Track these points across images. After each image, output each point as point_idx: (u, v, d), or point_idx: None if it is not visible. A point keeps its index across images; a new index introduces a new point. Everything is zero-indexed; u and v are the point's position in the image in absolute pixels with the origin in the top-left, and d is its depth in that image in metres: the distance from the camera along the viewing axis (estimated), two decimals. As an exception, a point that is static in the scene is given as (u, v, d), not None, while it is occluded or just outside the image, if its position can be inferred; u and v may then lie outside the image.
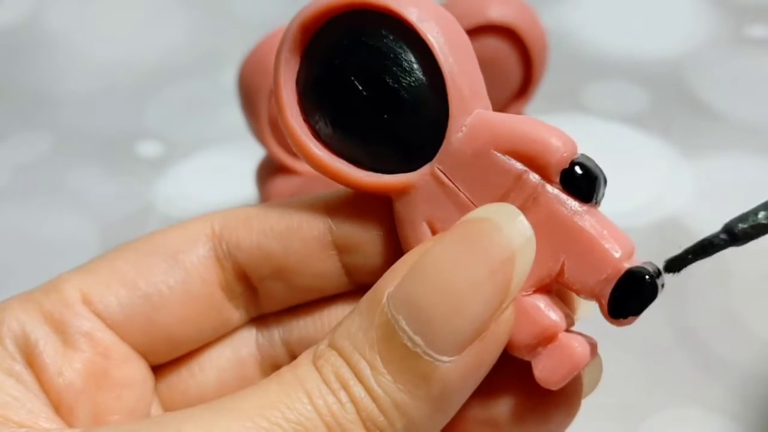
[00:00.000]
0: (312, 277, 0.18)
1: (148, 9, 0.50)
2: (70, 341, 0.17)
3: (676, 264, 0.16)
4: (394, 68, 0.16)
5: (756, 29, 0.46)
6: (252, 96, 0.30)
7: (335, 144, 0.17)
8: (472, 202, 0.16)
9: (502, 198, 0.16)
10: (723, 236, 0.16)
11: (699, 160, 0.38)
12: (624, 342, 0.30)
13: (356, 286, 0.18)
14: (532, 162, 0.15)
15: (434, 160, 0.16)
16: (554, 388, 0.15)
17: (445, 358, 0.14)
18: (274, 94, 0.17)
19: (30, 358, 0.17)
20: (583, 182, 0.15)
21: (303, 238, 0.17)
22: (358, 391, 0.15)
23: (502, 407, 0.17)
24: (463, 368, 0.15)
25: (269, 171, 0.32)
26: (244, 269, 0.18)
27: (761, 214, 0.15)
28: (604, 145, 0.39)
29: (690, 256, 0.16)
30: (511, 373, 0.16)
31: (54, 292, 0.17)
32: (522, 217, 0.15)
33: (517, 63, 0.31)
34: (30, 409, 0.16)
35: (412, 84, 0.16)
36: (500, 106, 0.32)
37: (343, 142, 0.17)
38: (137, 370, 0.18)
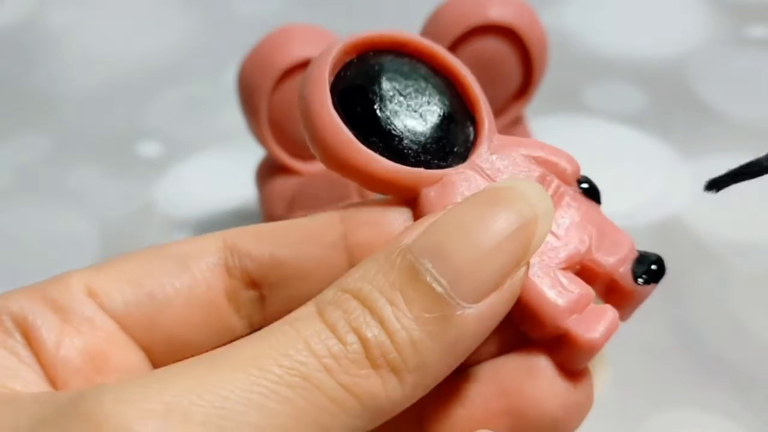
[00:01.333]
0: (324, 284, 0.18)
1: (149, 9, 0.50)
2: (69, 321, 0.17)
3: (717, 183, 0.17)
4: (435, 92, 0.18)
5: (756, 29, 0.46)
6: (252, 96, 0.30)
7: (369, 148, 0.18)
8: None
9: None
10: (766, 160, 0.17)
11: (698, 160, 0.38)
12: (624, 342, 0.30)
13: None
14: (553, 167, 0.18)
15: (469, 161, 0.18)
16: (599, 346, 0.16)
17: (465, 304, 0.15)
18: (308, 109, 0.17)
19: (28, 335, 0.17)
20: (593, 190, 0.18)
21: (316, 245, 0.18)
22: (372, 330, 0.15)
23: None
24: (479, 316, 0.15)
25: (269, 171, 0.32)
26: (253, 277, 0.18)
27: None
28: (604, 146, 0.39)
29: (733, 177, 0.17)
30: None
31: (59, 282, 0.18)
32: (544, 190, 0.16)
33: (517, 63, 0.31)
34: (23, 378, 0.16)
35: (449, 106, 0.18)
36: (500, 106, 0.32)
37: (376, 148, 0.18)
38: (136, 358, 0.18)
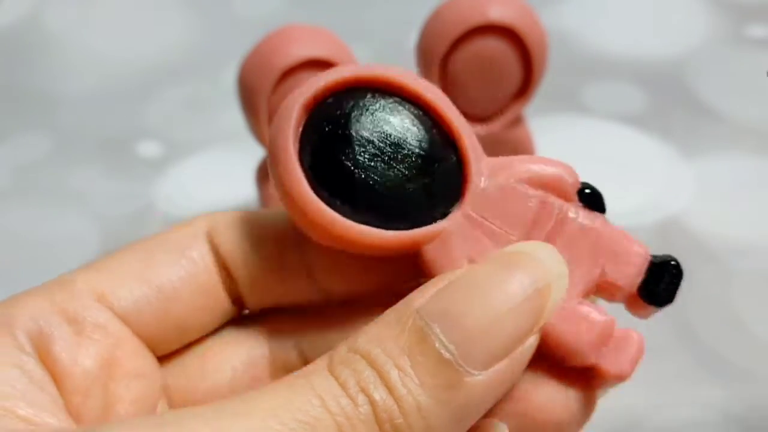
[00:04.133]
0: (280, 288, 0.19)
1: (149, 9, 0.50)
2: (82, 331, 0.17)
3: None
4: (411, 129, 0.17)
5: (755, 29, 0.46)
6: (252, 96, 0.30)
7: (352, 213, 0.17)
8: (508, 233, 0.17)
9: (534, 221, 0.17)
10: None
11: (699, 160, 0.38)
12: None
13: (321, 294, 0.19)
14: (551, 186, 0.17)
15: (464, 204, 0.17)
16: (629, 376, 0.17)
17: (474, 371, 0.15)
18: (277, 172, 0.17)
19: (43, 349, 0.17)
20: (595, 197, 0.18)
21: (276, 247, 0.19)
22: (380, 393, 0.15)
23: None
24: (488, 383, 0.15)
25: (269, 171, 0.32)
26: (228, 269, 0.19)
27: None
28: (604, 145, 0.39)
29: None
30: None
31: (66, 286, 0.18)
32: (557, 253, 0.16)
33: (517, 63, 0.31)
34: (33, 401, 0.16)
35: (428, 143, 0.17)
36: (500, 106, 0.32)
37: (362, 208, 0.17)
38: (146, 363, 0.18)
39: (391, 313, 0.16)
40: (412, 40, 0.32)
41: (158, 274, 0.18)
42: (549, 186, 0.17)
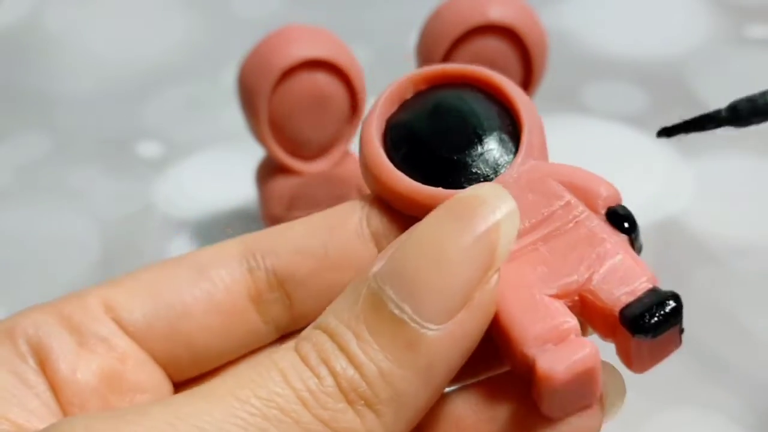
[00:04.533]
0: (352, 274, 0.18)
1: (149, 9, 0.50)
2: (85, 343, 0.17)
3: (669, 130, 0.16)
4: (481, 118, 0.18)
5: (755, 29, 0.46)
6: (252, 96, 0.30)
7: (405, 170, 0.18)
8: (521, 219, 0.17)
9: (548, 216, 0.17)
10: (725, 113, 0.16)
11: (699, 160, 0.38)
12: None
13: None
14: (585, 194, 0.17)
15: (494, 181, 0.17)
16: (556, 383, 0.15)
17: (431, 326, 0.14)
18: (363, 126, 0.19)
19: (43, 358, 0.17)
20: (626, 219, 0.17)
21: (342, 235, 0.18)
22: (340, 363, 0.15)
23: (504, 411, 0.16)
24: (449, 337, 0.15)
25: (269, 171, 0.32)
26: (279, 276, 0.18)
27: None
28: (604, 145, 0.39)
29: (686, 126, 0.16)
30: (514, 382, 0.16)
31: (76, 299, 0.18)
32: (506, 192, 0.16)
33: (517, 63, 0.31)
34: (26, 407, 0.16)
35: (491, 132, 0.18)
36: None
37: (412, 169, 0.18)
38: (153, 377, 0.18)
39: (350, 285, 0.15)
40: (412, 40, 0.32)
41: (170, 290, 0.18)
42: (581, 191, 0.17)
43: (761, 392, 0.29)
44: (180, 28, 0.49)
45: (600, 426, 0.16)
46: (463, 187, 0.17)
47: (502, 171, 0.18)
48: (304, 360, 0.15)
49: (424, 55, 0.31)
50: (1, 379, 0.16)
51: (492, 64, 0.30)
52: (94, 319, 0.17)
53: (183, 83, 0.44)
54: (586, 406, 0.16)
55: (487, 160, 0.18)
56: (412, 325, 0.14)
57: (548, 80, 0.32)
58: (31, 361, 0.17)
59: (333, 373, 0.15)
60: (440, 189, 0.17)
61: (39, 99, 0.44)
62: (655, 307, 0.15)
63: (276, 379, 0.14)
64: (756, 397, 0.28)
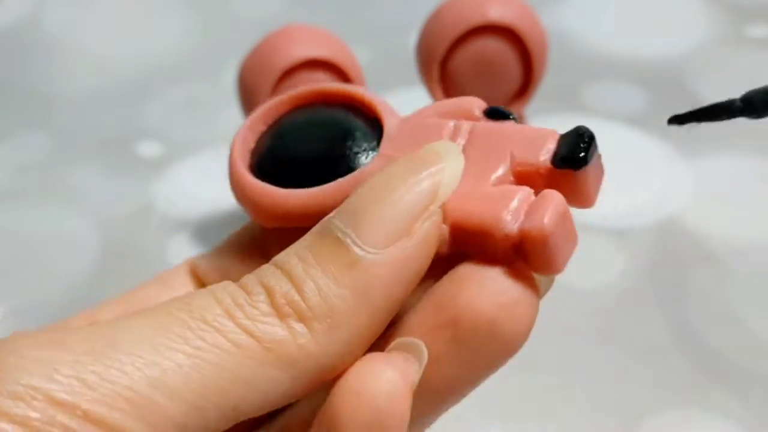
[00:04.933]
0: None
1: (148, 9, 0.51)
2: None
3: (681, 118, 0.17)
4: (330, 114, 0.20)
5: (756, 29, 0.46)
6: (252, 96, 0.30)
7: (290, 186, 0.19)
8: None
9: (449, 136, 0.18)
10: (739, 103, 0.16)
11: (699, 161, 0.38)
12: (623, 342, 0.30)
13: None
14: (460, 115, 0.18)
15: (380, 149, 0.19)
16: (552, 233, 0.15)
17: (371, 249, 0.15)
18: (230, 175, 0.20)
19: None
20: (500, 111, 0.18)
21: (240, 249, 0.20)
22: (278, 281, 0.15)
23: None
24: (389, 262, 0.15)
25: (269, 171, 0.32)
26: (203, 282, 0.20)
27: None
28: (604, 145, 0.39)
29: (698, 115, 0.17)
30: None
31: (63, 322, 0.19)
32: (454, 144, 0.17)
33: (517, 63, 0.31)
34: None
35: (345, 118, 0.20)
36: (500, 106, 0.32)
37: (295, 179, 0.19)
38: None
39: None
40: (412, 40, 0.32)
41: (142, 296, 0.20)
42: (458, 114, 0.18)
43: (761, 392, 0.29)
44: (180, 28, 0.49)
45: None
46: (355, 168, 0.18)
47: (377, 141, 0.19)
48: (241, 284, 0.15)
49: (424, 55, 0.31)
50: None
51: (492, 64, 0.30)
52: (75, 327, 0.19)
53: (183, 83, 0.44)
54: (573, 246, 0.16)
55: (360, 144, 0.19)
56: (353, 247, 0.15)
57: (548, 80, 0.32)
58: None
59: (267, 290, 0.15)
60: (340, 180, 0.18)
61: (39, 99, 0.44)
62: (575, 140, 0.17)
63: (205, 297, 0.15)
64: (755, 397, 0.28)
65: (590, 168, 0.17)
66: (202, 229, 0.36)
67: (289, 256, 0.16)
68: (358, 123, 0.19)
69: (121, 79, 0.45)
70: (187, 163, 0.39)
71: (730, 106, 0.16)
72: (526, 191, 0.16)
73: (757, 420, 0.28)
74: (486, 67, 0.30)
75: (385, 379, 0.15)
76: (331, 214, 0.16)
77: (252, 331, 0.15)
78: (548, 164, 0.17)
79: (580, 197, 0.17)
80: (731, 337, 0.30)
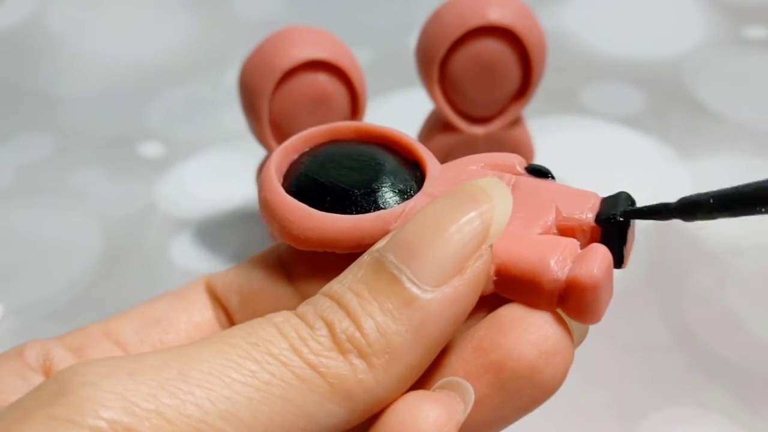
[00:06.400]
0: (270, 301, 0.20)
1: (150, 10, 0.51)
2: (87, 358, 0.18)
3: (627, 214, 0.18)
4: (375, 151, 0.20)
5: (753, 30, 0.46)
6: (253, 97, 0.30)
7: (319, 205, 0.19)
8: None
9: None
10: (674, 207, 0.18)
11: (697, 161, 0.38)
12: (623, 342, 0.30)
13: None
14: (503, 168, 0.19)
15: (423, 187, 0.19)
16: (600, 283, 0.16)
17: (427, 288, 0.16)
18: (261, 195, 0.19)
19: (48, 370, 0.18)
20: (542, 170, 0.19)
21: (263, 269, 0.20)
22: (337, 317, 0.16)
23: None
24: (443, 300, 0.16)
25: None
26: (223, 304, 0.20)
27: (711, 201, 0.17)
28: (603, 146, 0.39)
29: (641, 213, 0.18)
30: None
31: (77, 332, 0.19)
32: (502, 182, 0.17)
33: (516, 64, 0.31)
34: None
35: (390, 157, 0.20)
36: (500, 106, 0.32)
37: (337, 208, 0.19)
38: None
39: (354, 263, 0.17)
40: (412, 41, 0.32)
41: (156, 310, 0.20)
42: (500, 168, 0.19)
43: (759, 391, 0.29)
44: (182, 30, 0.49)
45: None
46: (399, 202, 0.19)
47: (422, 182, 0.19)
48: (301, 316, 0.16)
49: (424, 56, 0.31)
50: (15, 385, 0.17)
51: (491, 66, 0.31)
52: (95, 340, 0.19)
53: (185, 84, 0.44)
54: (611, 298, 0.17)
55: (403, 179, 0.19)
56: (409, 285, 0.16)
57: (547, 81, 0.32)
58: (39, 373, 0.18)
59: (328, 325, 0.15)
60: (381, 212, 0.18)
61: (41, 99, 0.44)
62: (619, 202, 0.18)
63: (268, 329, 0.15)
64: (754, 396, 0.29)
65: (630, 231, 0.18)
66: (203, 229, 0.36)
67: (343, 288, 0.16)
68: (399, 162, 0.20)
69: (123, 80, 0.45)
70: (188, 163, 0.39)
71: (667, 208, 0.18)
72: (573, 242, 0.17)
73: (756, 419, 0.28)
74: (485, 68, 0.31)
75: (433, 418, 0.16)
76: (381, 246, 0.16)
77: (317, 366, 0.15)
78: (592, 222, 0.18)
79: (614, 257, 0.17)
80: (729, 336, 0.31)
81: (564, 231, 0.18)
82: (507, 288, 0.17)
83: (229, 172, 0.38)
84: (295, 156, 0.20)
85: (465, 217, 0.16)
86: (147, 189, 0.38)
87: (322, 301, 0.16)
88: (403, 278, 0.16)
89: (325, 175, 0.19)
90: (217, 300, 0.20)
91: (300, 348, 0.15)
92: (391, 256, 0.16)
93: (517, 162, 0.19)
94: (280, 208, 0.19)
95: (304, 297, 0.19)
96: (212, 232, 0.36)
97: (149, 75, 0.45)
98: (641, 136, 0.39)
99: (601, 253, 0.16)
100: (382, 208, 0.18)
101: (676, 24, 0.47)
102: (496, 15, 0.30)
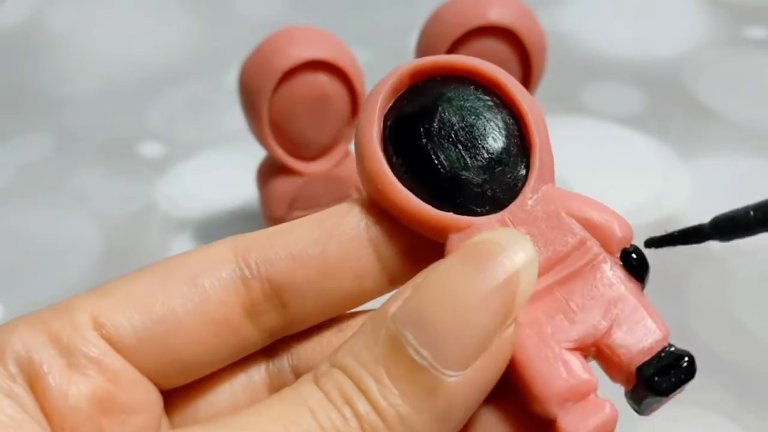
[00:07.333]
0: (351, 280, 0.18)
1: (151, 11, 0.51)
2: (76, 365, 0.17)
3: (656, 242, 0.17)
4: (495, 130, 0.17)
5: (753, 31, 0.46)
6: (253, 97, 0.30)
7: (409, 182, 0.17)
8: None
9: (564, 256, 0.16)
10: (709, 229, 0.16)
11: (696, 161, 0.38)
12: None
13: (393, 286, 0.18)
14: (599, 232, 0.17)
15: (504, 211, 0.17)
16: None
17: (451, 373, 0.15)
18: (359, 126, 0.17)
19: (33, 379, 0.16)
20: (639, 264, 0.16)
21: (340, 240, 0.17)
22: (363, 406, 0.15)
23: None
24: (467, 383, 0.15)
25: (270, 171, 0.32)
26: (275, 285, 0.18)
27: (751, 214, 0.15)
28: (603, 146, 0.39)
29: (671, 239, 0.16)
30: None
31: (64, 314, 0.17)
32: (526, 239, 0.16)
33: (516, 64, 0.31)
34: (23, 430, 0.16)
35: (503, 148, 0.17)
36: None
37: (418, 182, 0.17)
38: (145, 395, 0.17)
39: (367, 323, 0.15)
40: (412, 41, 0.32)
41: (164, 304, 0.17)
42: (595, 230, 0.17)
43: (760, 391, 0.29)
44: (182, 30, 0.49)
45: None
46: (476, 212, 0.17)
47: (515, 195, 0.17)
48: (330, 399, 0.15)
49: (424, 56, 0.31)
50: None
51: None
52: (84, 339, 0.17)
53: (185, 84, 0.44)
54: None
55: (499, 182, 0.17)
56: (432, 371, 0.15)
57: (547, 81, 0.32)
58: (22, 383, 0.16)
59: (357, 416, 0.15)
60: (450, 214, 0.17)
61: (42, 100, 0.44)
62: (671, 368, 0.16)
63: (305, 415, 0.15)
64: (754, 396, 0.29)
65: (664, 400, 0.16)
66: (204, 229, 0.36)
67: (360, 369, 0.15)
68: (514, 154, 0.17)
69: (124, 81, 0.45)
70: (189, 163, 0.39)
71: (701, 231, 0.16)
72: (590, 382, 0.15)
73: (756, 419, 0.28)
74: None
75: None
76: (395, 313, 0.15)
77: None
78: (632, 368, 0.16)
79: (638, 405, 0.16)
80: (729, 336, 0.31)
81: (602, 355, 0.16)
82: (511, 381, 0.16)
83: (229, 172, 0.38)
84: (392, 98, 0.18)
85: (488, 290, 0.15)
86: (147, 189, 0.38)
87: (341, 379, 0.15)
88: (425, 364, 0.14)
89: (430, 146, 0.17)
90: (259, 279, 0.17)
91: None
92: (409, 336, 0.15)
93: (619, 235, 0.16)
94: (387, 192, 0.17)
95: (390, 279, 0.18)
96: (212, 232, 0.36)
97: (149, 75, 0.45)
98: (641, 136, 0.40)
99: (603, 418, 0.15)
100: (493, 207, 0.17)
101: (676, 24, 0.47)
102: (496, 15, 0.30)
